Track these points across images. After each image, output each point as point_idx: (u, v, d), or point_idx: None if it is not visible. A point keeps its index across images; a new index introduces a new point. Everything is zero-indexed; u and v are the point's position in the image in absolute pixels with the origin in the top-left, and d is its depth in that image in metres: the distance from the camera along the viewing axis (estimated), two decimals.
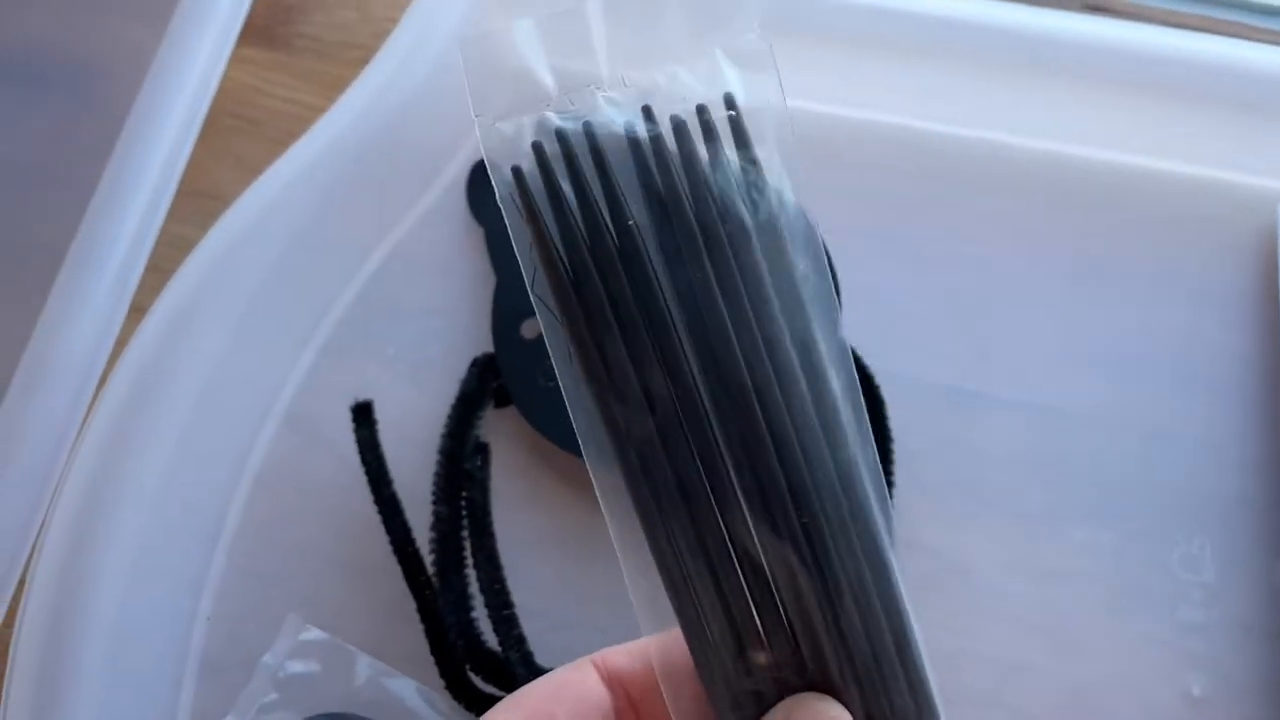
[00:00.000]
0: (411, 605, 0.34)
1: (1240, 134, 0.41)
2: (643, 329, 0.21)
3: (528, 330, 0.38)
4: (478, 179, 0.42)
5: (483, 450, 0.35)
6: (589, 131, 0.21)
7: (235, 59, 0.45)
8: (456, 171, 0.42)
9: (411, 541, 0.34)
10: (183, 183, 0.43)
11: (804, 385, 0.22)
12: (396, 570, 0.35)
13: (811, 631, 0.22)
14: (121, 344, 0.39)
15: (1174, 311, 0.39)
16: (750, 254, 0.22)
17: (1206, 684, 0.34)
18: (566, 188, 0.21)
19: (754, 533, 0.21)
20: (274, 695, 0.33)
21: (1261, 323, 0.39)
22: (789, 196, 0.23)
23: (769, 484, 0.21)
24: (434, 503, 0.34)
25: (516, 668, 0.32)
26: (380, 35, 0.43)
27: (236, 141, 0.44)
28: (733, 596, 0.22)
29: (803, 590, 0.21)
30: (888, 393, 0.37)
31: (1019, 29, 0.41)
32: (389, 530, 0.34)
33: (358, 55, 0.45)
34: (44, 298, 0.39)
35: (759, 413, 0.21)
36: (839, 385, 0.22)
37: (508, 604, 0.33)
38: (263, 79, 0.45)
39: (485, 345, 0.38)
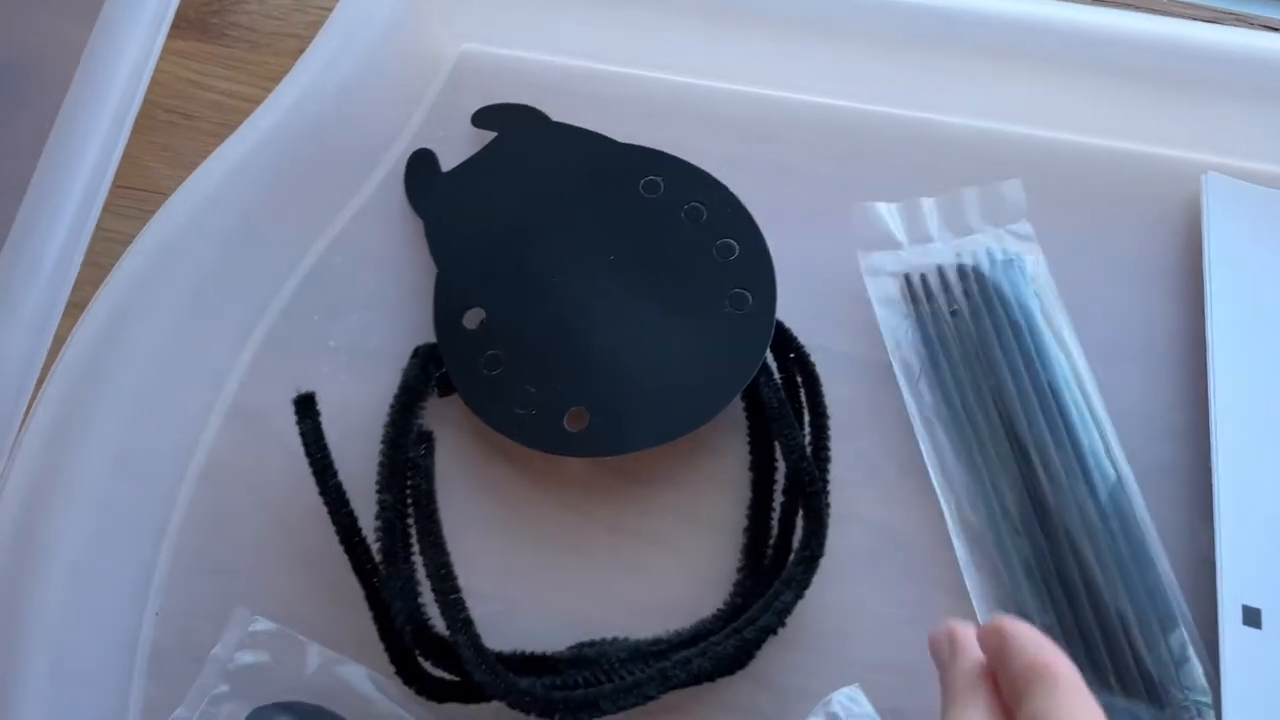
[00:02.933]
0: (361, 593, 0.34)
1: (1164, 108, 0.42)
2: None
3: (470, 320, 0.38)
4: (416, 169, 0.42)
5: (426, 438, 0.36)
6: (936, 265, 0.40)
7: (168, 51, 0.45)
8: (394, 162, 0.43)
9: (358, 531, 0.34)
10: (118, 178, 0.43)
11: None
12: (345, 560, 0.35)
13: None
14: (60, 341, 0.39)
15: (1103, 284, 0.40)
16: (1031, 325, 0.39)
17: None
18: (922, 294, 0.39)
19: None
20: (224, 687, 0.33)
21: (1187, 293, 0.40)
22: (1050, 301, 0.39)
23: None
24: (378, 491, 0.35)
25: (464, 650, 0.32)
26: (315, 24, 0.43)
27: (172, 135, 0.44)
28: None
29: None
30: (824, 369, 0.37)
31: (946, 8, 0.41)
32: (335, 520, 0.34)
33: (293, 45, 0.45)
34: None
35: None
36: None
37: (454, 588, 0.33)
38: (196, 71, 0.45)
39: (427, 335, 0.38)
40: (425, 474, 0.35)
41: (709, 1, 0.43)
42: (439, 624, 0.34)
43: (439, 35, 0.45)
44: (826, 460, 0.36)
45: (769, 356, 0.37)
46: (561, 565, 0.36)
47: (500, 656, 0.33)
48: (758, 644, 0.34)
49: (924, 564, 0.36)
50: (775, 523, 0.36)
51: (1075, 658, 0.33)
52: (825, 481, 0.36)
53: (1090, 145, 0.43)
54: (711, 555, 0.36)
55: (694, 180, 0.39)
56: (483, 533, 0.37)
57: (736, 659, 0.34)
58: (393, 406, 0.36)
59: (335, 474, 0.35)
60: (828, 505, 0.35)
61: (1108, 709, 0.32)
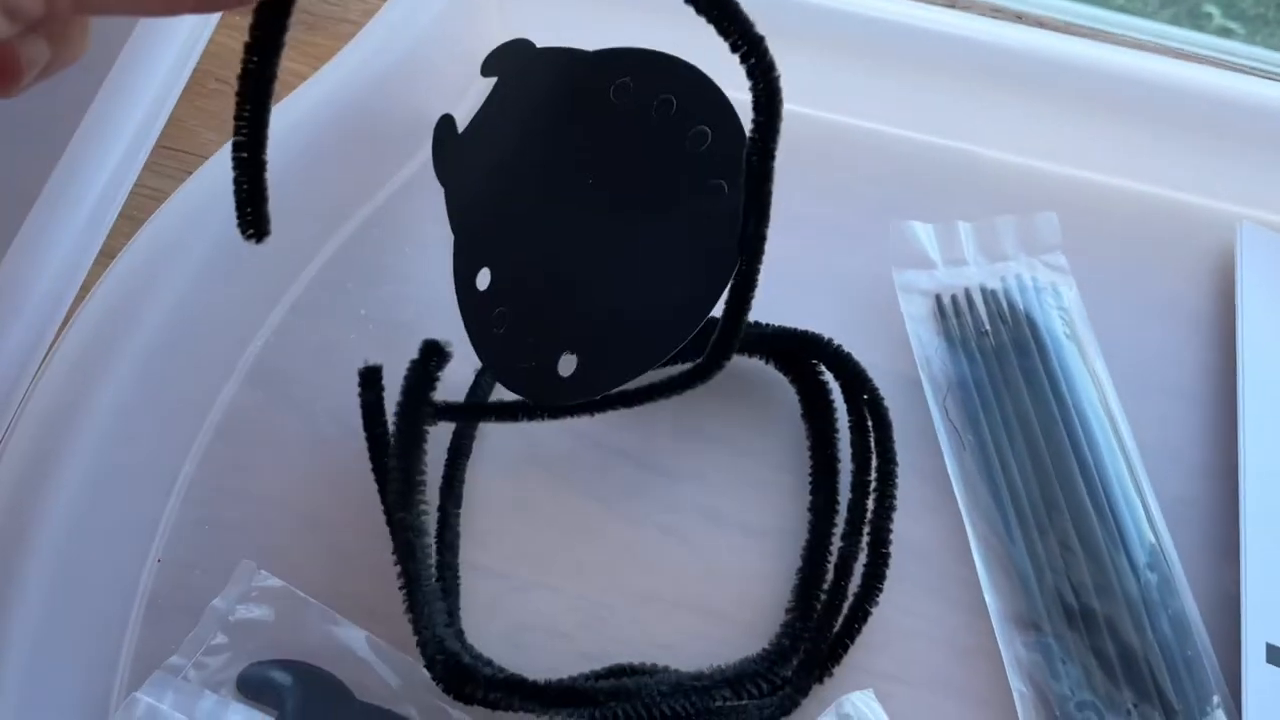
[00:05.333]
0: (367, 557, 0.34)
1: (1203, 157, 0.43)
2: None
3: (481, 281, 0.36)
4: (441, 137, 0.41)
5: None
6: (967, 287, 0.40)
7: (225, 24, 0.46)
8: None
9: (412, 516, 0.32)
10: (164, 139, 0.43)
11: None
12: (353, 523, 0.35)
13: None
14: (88, 287, 0.39)
15: (1134, 320, 0.40)
16: (1060, 352, 0.39)
17: None
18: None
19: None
20: (222, 639, 0.32)
21: (1217, 336, 0.40)
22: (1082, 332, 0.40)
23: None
24: (391, 511, 0.33)
25: (503, 695, 0.31)
26: (370, 13, 0.43)
27: (220, 103, 0.44)
28: None
29: None
30: None
31: (997, 45, 0.42)
32: (385, 501, 0.33)
33: (348, 30, 0.46)
34: (13, 233, 0.38)
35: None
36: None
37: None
38: None
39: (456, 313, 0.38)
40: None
41: (767, 21, 0.43)
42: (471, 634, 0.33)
43: (491, 26, 0.45)
44: (891, 509, 0.35)
45: (839, 398, 0.37)
46: (571, 545, 0.36)
47: (537, 687, 0.31)
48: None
49: (943, 579, 0.35)
50: (831, 567, 0.35)
51: (1093, 680, 0.33)
52: (888, 530, 0.35)
53: (1127, 188, 0.43)
54: (734, 555, 0.36)
55: (660, 70, 0.35)
56: (496, 515, 0.36)
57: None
58: (397, 414, 0.33)
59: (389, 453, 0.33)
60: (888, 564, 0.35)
61: None
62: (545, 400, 0.35)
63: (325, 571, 0.35)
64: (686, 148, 0.33)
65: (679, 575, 0.35)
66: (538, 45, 0.39)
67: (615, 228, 0.34)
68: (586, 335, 0.34)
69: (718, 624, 0.35)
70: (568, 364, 0.34)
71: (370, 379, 0.34)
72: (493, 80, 0.41)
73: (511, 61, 0.40)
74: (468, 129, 0.40)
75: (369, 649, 0.32)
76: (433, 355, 0.35)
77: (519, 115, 0.38)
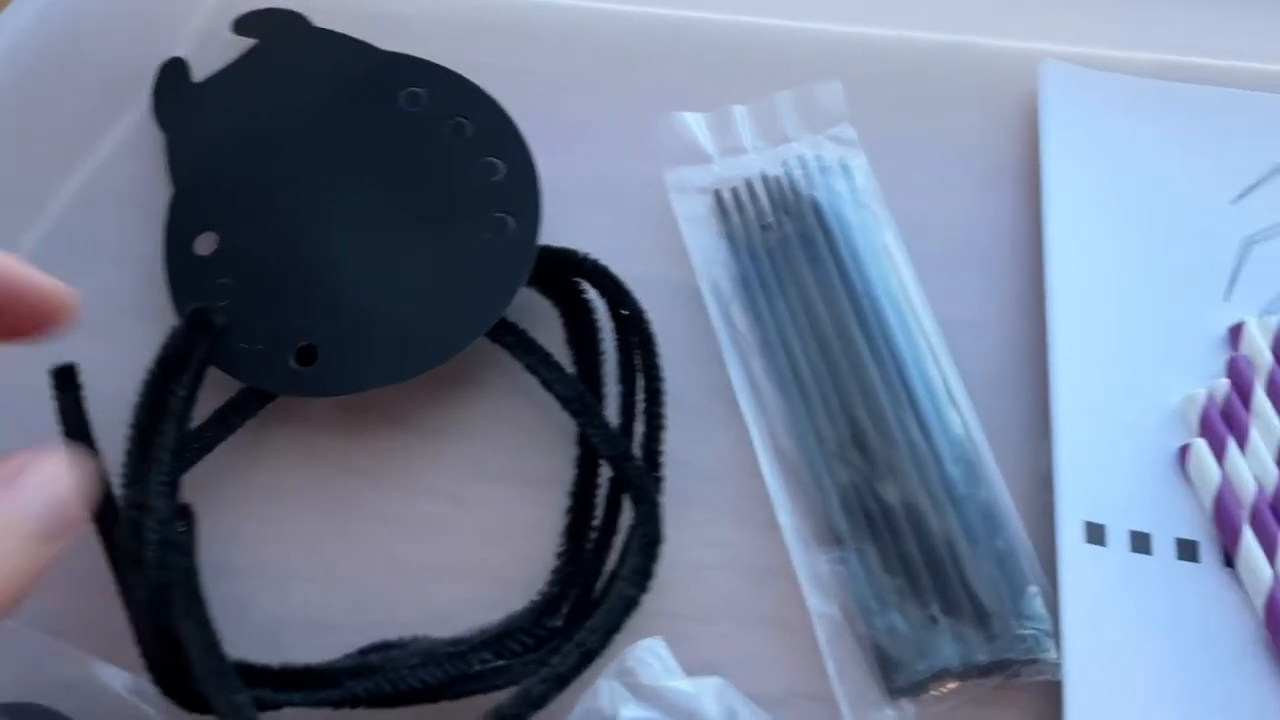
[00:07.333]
0: (105, 585, 0.30)
1: None
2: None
3: (202, 246, 0.34)
4: (166, 80, 0.38)
5: (186, 514, 0.30)
6: (747, 178, 0.37)
7: None
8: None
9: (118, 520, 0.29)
10: None
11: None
12: (88, 545, 0.31)
13: None
14: None
15: (936, 188, 0.37)
16: (849, 235, 0.35)
17: None
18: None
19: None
20: None
21: (1026, 193, 0.37)
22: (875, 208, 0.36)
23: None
24: (125, 485, 0.30)
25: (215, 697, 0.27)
26: None
27: None
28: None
29: None
30: None
31: None
32: (97, 520, 0.30)
33: None
34: None
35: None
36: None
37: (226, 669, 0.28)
38: None
39: None
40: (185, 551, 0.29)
41: None
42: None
43: None
44: (660, 428, 0.32)
45: (603, 314, 0.34)
46: (332, 530, 0.32)
47: (268, 672, 0.28)
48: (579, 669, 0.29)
49: (736, 499, 0.32)
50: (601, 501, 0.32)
51: (899, 589, 0.30)
52: (659, 453, 0.32)
53: (915, 40, 0.39)
54: (509, 510, 0.33)
55: (459, 93, 0.36)
56: (236, 503, 0.33)
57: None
58: (144, 382, 0.31)
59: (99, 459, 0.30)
60: (660, 490, 0.31)
61: (935, 644, 0.29)
62: (271, 388, 0.32)
63: (54, 600, 0.31)
64: (475, 174, 0.34)
65: (452, 539, 0.32)
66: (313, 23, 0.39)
67: (386, 229, 0.34)
68: (334, 330, 0.32)
69: (499, 586, 0.31)
70: (305, 355, 0.32)
71: (65, 379, 0.30)
72: (210, 31, 0.38)
73: (279, 30, 0.39)
74: (209, 80, 0.38)
75: (116, 683, 0.29)
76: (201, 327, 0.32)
77: (282, 84, 0.37)
